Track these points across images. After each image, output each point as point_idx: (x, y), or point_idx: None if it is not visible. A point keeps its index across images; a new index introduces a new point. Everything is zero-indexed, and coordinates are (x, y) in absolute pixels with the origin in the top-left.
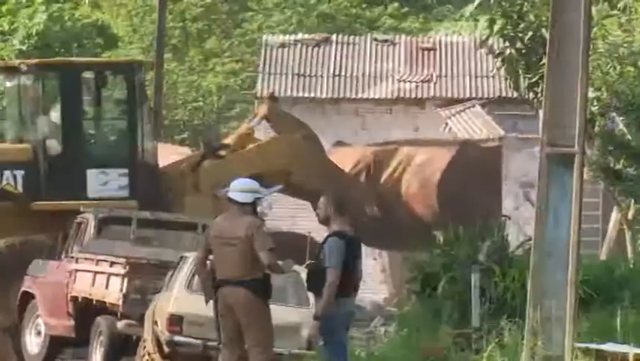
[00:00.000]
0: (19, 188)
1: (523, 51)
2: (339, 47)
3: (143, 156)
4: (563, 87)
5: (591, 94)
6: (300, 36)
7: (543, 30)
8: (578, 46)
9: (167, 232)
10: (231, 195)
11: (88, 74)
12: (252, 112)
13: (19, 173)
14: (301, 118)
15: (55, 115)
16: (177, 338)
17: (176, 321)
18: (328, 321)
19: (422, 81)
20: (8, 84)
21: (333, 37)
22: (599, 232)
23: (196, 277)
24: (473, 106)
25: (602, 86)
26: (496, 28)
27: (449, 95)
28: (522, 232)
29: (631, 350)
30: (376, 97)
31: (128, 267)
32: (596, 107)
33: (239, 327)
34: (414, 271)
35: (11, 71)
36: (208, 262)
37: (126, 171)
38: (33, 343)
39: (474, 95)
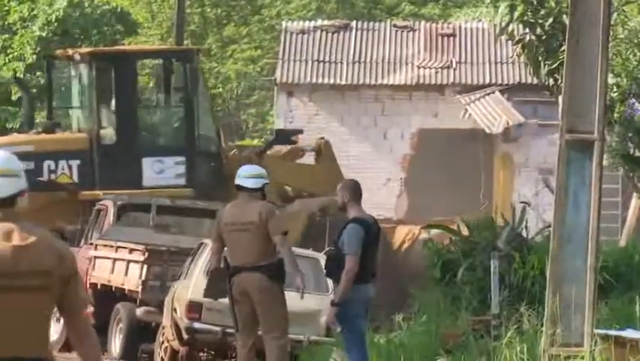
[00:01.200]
0: (75, 177)
1: (544, 37)
2: (359, 33)
3: (201, 144)
4: (582, 74)
5: (611, 80)
6: (319, 22)
7: (564, 16)
8: (598, 32)
9: (186, 218)
10: (241, 181)
11: (143, 62)
12: (270, 98)
13: (75, 163)
14: (321, 104)
15: (111, 104)
16: (196, 324)
17: (195, 308)
18: (346, 307)
19: (442, 67)
20: (71, 73)
21: (353, 23)
22: (618, 219)
23: None
24: (493, 92)
25: (621, 72)
26: (516, 14)
27: (469, 81)
28: (541, 218)
29: None
30: (396, 83)
31: (147, 254)
32: (616, 94)
33: (254, 313)
34: (433, 257)
35: (67, 59)
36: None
37: (183, 159)
38: (52, 329)
39: (493, 82)
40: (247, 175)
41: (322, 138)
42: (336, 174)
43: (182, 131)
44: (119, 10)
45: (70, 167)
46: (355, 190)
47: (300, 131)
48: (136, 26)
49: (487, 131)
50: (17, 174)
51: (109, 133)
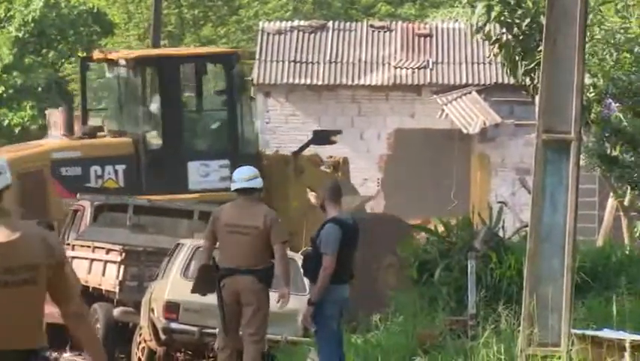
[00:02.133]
0: (121, 182)
1: (521, 37)
2: (336, 33)
3: (243, 146)
4: (559, 74)
5: (587, 80)
6: (296, 23)
7: (541, 17)
8: (575, 32)
9: (163, 219)
10: (244, 184)
11: (186, 66)
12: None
13: (121, 167)
14: (298, 105)
15: (156, 108)
16: (173, 324)
17: (172, 308)
18: (321, 308)
19: (418, 68)
20: (108, 76)
21: (330, 23)
22: (595, 219)
23: (192, 264)
24: (470, 92)
25: (598, 72)
26: (493, 14)
27: (446, 81)
28: (518, 218)
29: (627, 337)
30: (373, 83)
31: (124, 254)
32: (593, 94)
33: (239, 315)
34: (410, 258)
35: (110, 63)
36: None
37: (227, 162)
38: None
39: (470, 82)
40: (248, 177)
41: (341, 160)
42: (351, 190)
43: (226, 134)
44: (95, 10)
45: (116, 172)
46: (334, 191)
47: (339, 132)
48: (113, 27)
49: (464, 131)
50: (4, 170)
51: (154, 137)
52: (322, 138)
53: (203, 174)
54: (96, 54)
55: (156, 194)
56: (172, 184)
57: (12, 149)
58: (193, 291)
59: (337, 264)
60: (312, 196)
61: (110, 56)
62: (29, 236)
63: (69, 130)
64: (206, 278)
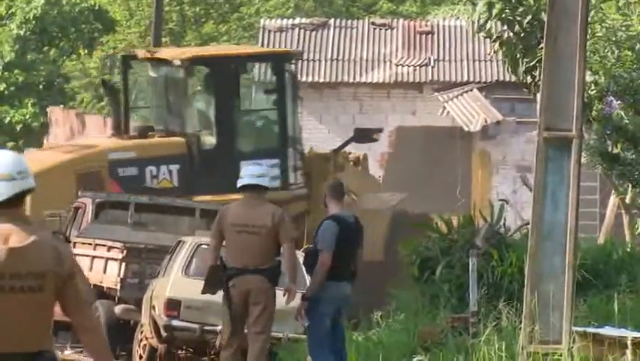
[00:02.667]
0: (175, 182)
1: (522, 35)
2: (337, 31)
3: (292, 145)
4: (560, 71)
5: (589, 78)
6: (297, 20)
7: (542, 14)
8: (576, 30)
9: (164, 216)
10: (253, 180)
11: (240, 66)
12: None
13: (175, 167)
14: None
15: (209, 107)
16: (175, 322)
17: (173, 305)
18: (315, 304)
19: (420, 65)
20: (155, 75)
21: (331, 21)
22: (596, 216)
23: (193, 261)
24: (471, 90)
25: (599, 70)
26: (494, 11)
27: (447, 78)
28: (519, 216)
29: (628, 334)
30: (374, 81)
31: (125, 251)
32: (594, 91)
33: (245, 314)
34: (412, 255)
35: (161, 62)
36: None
37: (277, 161)
38: None
39: (472, 79)
40: (258, 174)
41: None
42: (376, 184)
43: (277, 133)
44: (97, 8)
45: (170, 172)
46: (335, 189)
47: (380, 130)
48: (114, 24)
49: (465, 128)
50: (18, 176)
51: (208, 137)
52: (364, 136)
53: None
54: (141, 53)
55: (210, 194)
56: (225, 184)
57: (66, 149)
58: (204, 292)
59: (335, 261)
60: (349, 194)
61: (159, 55)
62: (41, 244)
63: (116, 130)
64: (215, 278)
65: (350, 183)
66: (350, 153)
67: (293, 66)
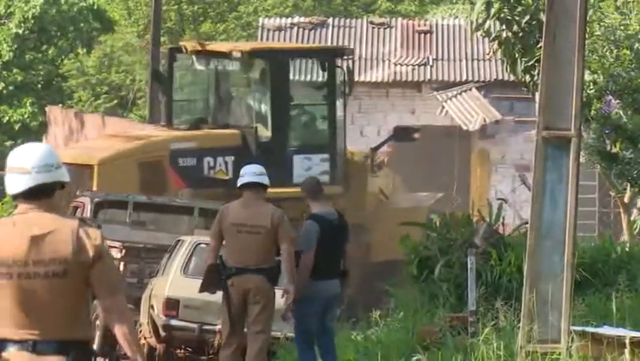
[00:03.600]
0: (230, 174)
1: (520, 34)
2: (336, 30)
3: (339, 141)
4: (559, 70)
5: (587, 77)
6: (296, 19)
7: (540, 13)
8: (575, 29)
9: (163, 215)
10: (253, 178)
11: (295, 60)
12: None
13: (230, 159)
14: None
15: (263, 101)
16: (173, 321)
17: (172, 305)
18: (300, 304)
19: (418, 64)
20: (205, 68)
21: (330, 20)
22: (595, 215)
23: (192, 261)
24: (470, 89)
25: (598, 69)
26: (492, 11)
27: (445, 78)
28: (518, 215)
29: (627, 333)
30: (373, 80)
31: (124, 251)
32: (593, 91)
33: (244, 313)
34: (410, 255)
35: (214, 55)
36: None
37: (327, 156)
38: None
39: (470, 78)
40: (259, 172)
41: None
42: (400, 184)
43: (327, 128)
44: (95, 7)
45: (226, 163)
46: (314, 188)
47: (419, 129)
48: (112, 23)
49: (464, 128)
50: (50, 168)
51: (263, 130)
52: (403, 134)
53: (306, 168)
54: (191, 45)
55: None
56: (278, 177)
57: (127, 138)
58: (201, 290)
59: (319, 260)
60: (381, 193)
61: (213, 48)
62: (62, 231)
63: (169, 121)
64: (214, 277)
65: (382, 183)
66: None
67: (349, 63)
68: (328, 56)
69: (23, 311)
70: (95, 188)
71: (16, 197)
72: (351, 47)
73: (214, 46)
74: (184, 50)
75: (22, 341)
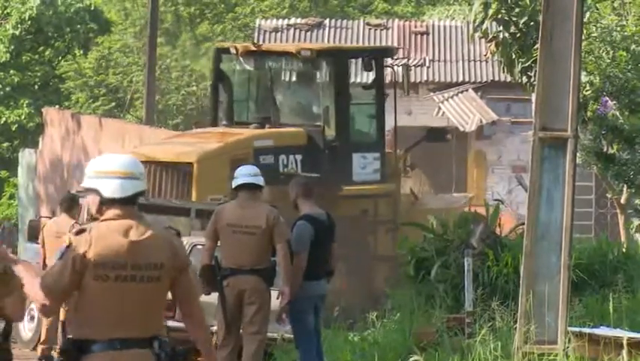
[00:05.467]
0: (299, 172)
1: (517, 35)
2: (332, 31)
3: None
4: (556, 71)
5: (584, 78)
6: (292, 20)
7: (538, 14)
8: (571, 30)
9: (159, 217)
10: (249, 179)
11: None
12: None
13: (298, 157)
14: None
15: (325, 100)
16: (170, 322)
17: (168, 306)
18: (294, 304)
19: (415, 65)
20: (258, 68)
21: (326, 21)
22: (591, 216)
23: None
24: (466, 90)
25: (594, 70)
26: (490, 12)
27: (442, 79)
28: (515, 215)
29: (624, 334)
30: (369, 81)
31: None
32: (589, 92)
33: (240, 314)
34: (407, 255)
35: (276, 55)
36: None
37: (378, 155)
38: (26, 328)
39: (467, 79)
40: (254, 173)
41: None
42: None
43: (377, 127)
44: (92, 8)
45: (295, 161)
46: (305, 188)
47: (450, 131)
48: (109, 24)
49: (461, 128)
50: (138, 176)
51: (328, 129)
52: (436, 136)
53: (362, 166)
54: (242, 46)
55: (330, 185)
56: (343, 176)
57: (214, 136)
58: None
59: (310, 260)
60: (412, 194)
61: (274, 48)
62: (158, 238)
63: (229, 120)
64: (210, 278)
65: (413, 184)
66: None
67: (407, 63)
68: (378, 56)
69: (112, 313)
70: (194, 186)
71: (114, 201)
72: None
73: (270, 46)
74: (234, 51)
75: (108, 341)
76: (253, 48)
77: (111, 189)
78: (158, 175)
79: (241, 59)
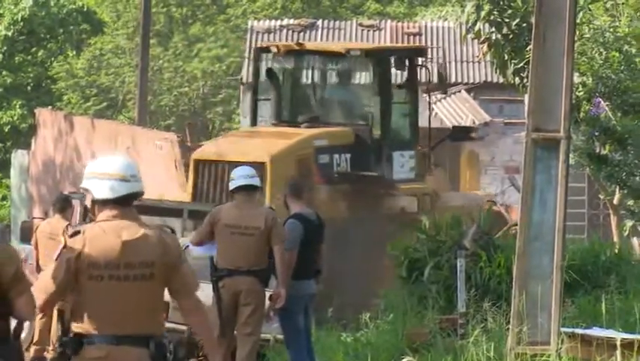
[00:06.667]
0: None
1: (510, 36)
2: (325, 32)
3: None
4: (548, 72)
5: (576, 79)
6: (285, 21)
7: (530, 16)
8: (564, 31)
9: (152, 218)
10: (247, 180)
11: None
12: (236, 97)
13: (347, 156)
14: None
15: (371, 99)
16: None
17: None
18: (285, 303)
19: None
20: (299, 67)
21: (319, 22)
22: (584, 217)
23: None
24: (459, 91)
25: (587, 71)
26: (482, 13)
27: (435, 80)
28: (508, 217)
29: (617, 335)
30: (362, 82)
31: None
32: (582, 93)
33: (235, 315)
34: (400, 256)
35: (322, 55)
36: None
37: (413, 153)
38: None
39: (460, 81)
40: (251, 174)
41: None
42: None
43: (411, 126)
44: (84, 9)
45: (345, 160)
46: (296, 187)
47: (476, 129)
48: (102, 26)
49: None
50: (129, 179)
51: (374, 128)
52: (461, 134)
53: (400, 165)
54: (284, 45)
55: (387, 184)
56: (387, 174)
57: (277, 135)
58: None
59: (299, 260)
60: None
61: (320, 48)
62: (149, 236)
63: (278, 119)
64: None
65: (435, 182)
66: None
67: (444, 63)
68: (412, 55)
69: (108, 310)
70: (267, 185)
71: (106, 202)
72: None
73: (313, 45)
74: (275, 50)
75: (104, 336)
76: (295, 47)
77: (101, 190)
78: (227, 175)
79: (281, 58)
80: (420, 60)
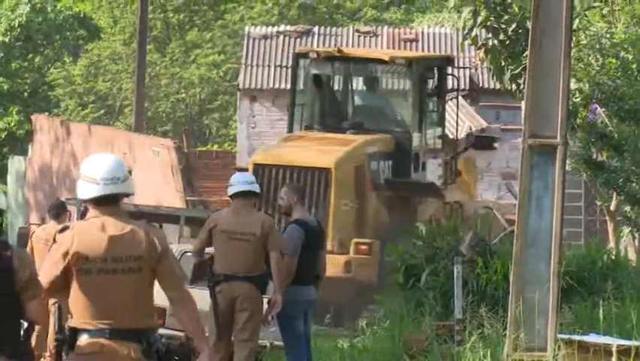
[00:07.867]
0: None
1: (507, 42)
2: (321, 38)
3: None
4: (545, 79)
5: (573, 85)
6: (282, 28)
7: (527, 22)
8: (561, 37)
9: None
10: (246, 187)
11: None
12: (233, 103)
13: (389, 163)
14: (284, 110)
15: (412, 107)
16: (160, 330)
17: (158, 313)
18: (284, 308)
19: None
20: (337, 74)
21: (315, 28)
22: (581, 223)
23: None
24: (456, 97)
25: (584, 77)
26: (479, 19)
27: (432, 86)
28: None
29: (614, 341)
30: (359, 88)
31: None
32: (578, 99)
33: (232, 321)
34: (397, 263)
35: (364, 62)
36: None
37: (439, 160)
38: None
39: (456, 87)
40: (250, 181)
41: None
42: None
43: (439, 134)
44: (81, 15)
45: (388, 167)
46: (302, 194)
47: (498, 138)
48: (98, 32)
49: (451, 136)
50: (113, 180)
51: (413, 136)
52: (483, 143)
53: (431, 171)
54: (324, 51)
55: (411, 192)
56: (423, 182)
57: (332, 142)
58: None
59: (300, 265)
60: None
61: (362, 55)
62: (136, 232)
63: (322, 125)
64: (200, 273)
65: (458, 190)
66: None
67: (473, 71)
68: (442, 64)
69: (100, 304)
70: (332, 191)
71: (92, 202)
72: None
73: (354, 52)
74: (314, 55)
75: (98, 330)
76: (335, 54)
77: (84, 190)
78: (289, 180)
79: (321, 64)
80: (449, 69)
